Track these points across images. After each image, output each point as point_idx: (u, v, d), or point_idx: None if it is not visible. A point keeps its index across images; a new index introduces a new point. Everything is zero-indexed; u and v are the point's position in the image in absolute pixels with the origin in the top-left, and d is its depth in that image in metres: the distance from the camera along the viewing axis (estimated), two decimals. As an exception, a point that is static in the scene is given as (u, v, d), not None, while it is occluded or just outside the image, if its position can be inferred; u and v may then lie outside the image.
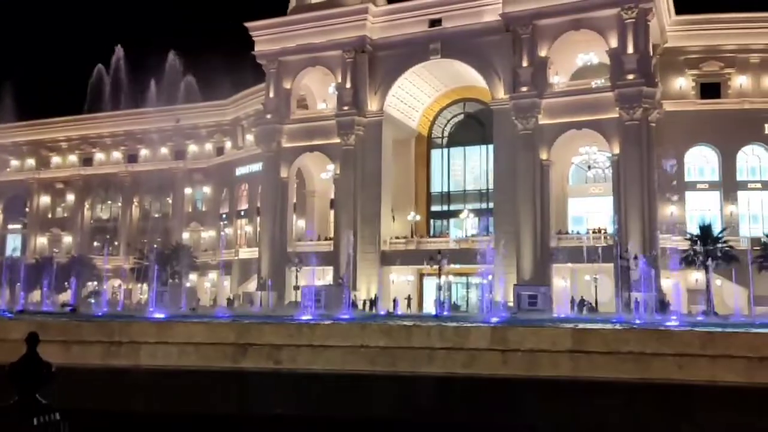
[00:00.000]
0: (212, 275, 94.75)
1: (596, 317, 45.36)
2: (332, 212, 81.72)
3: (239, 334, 22.42)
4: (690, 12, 73.94)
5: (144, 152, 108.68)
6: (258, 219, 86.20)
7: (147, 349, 22.13)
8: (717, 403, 18.30)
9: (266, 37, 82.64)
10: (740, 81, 72.90)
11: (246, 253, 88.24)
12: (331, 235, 79.79)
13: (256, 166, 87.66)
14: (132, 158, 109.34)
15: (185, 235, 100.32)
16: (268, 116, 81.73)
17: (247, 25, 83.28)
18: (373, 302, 69.31)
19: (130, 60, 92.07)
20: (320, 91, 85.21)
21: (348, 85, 77.94)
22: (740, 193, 70.73)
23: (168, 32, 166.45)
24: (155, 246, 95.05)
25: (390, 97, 78.37)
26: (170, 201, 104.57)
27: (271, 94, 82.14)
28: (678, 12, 73.83)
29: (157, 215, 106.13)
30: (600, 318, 42.18)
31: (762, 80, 72.63)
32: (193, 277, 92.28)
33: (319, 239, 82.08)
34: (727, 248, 62.39)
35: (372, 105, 77.79)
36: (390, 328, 23.12)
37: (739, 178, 70.92)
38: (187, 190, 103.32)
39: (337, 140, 77.79)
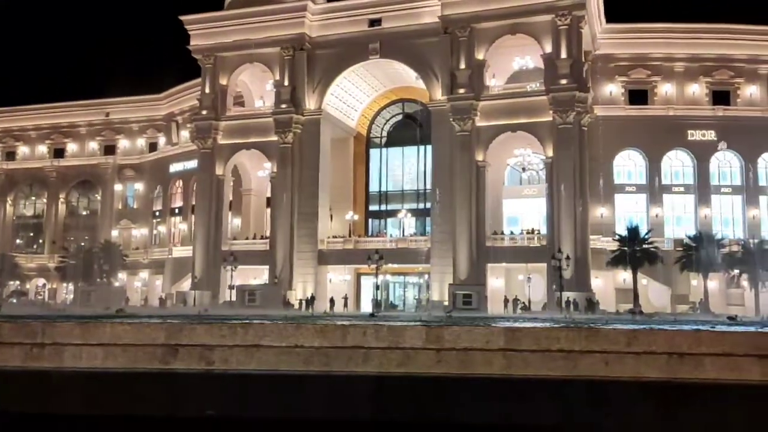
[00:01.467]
0: (143, 274, 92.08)
1: (529, 316, 46.45)
2: (269, 210, 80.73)
3: (169, 335, 21.75)
4: (620, 21, 76.77)
5: (71, 147, 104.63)
6: (192, 217, 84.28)
7: (71, 351, 21.25)
8: (640, 398, 18.92)
9: (202, 31, 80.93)
10: (666, 88, 76.08)
11: (180, 251, 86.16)
12: (268, 233, 78.82)
13: (191, 163, 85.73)
14: (58, 153, 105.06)
15: (115, 233, 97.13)
16: (204, 112, 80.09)
17: (183, 18, 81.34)
18: (310, 302, 68.91)
19: (59, 51, 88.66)
20: (258, 88, 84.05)
21: (286, 82, 77.15)
22: (665, 196, 73.78)
23: (101, 24, 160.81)
24: (82, 244, 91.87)
25: (329, 96, 78.02)
26: (99, 197, 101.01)
27: (207, 90, 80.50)
28: (608, 21, 76.47)
29: (84, 212, 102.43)
30: (532, 316, 43.21)
31: (686, 88, 76.00)
32: (122, 276, 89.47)
33: (255, 238, 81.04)
34: (652, 249, 64.98)
35: (310, 103, 77.26)
36: (325, 327, 22.93)
37: (664, 181, 73.95)
38: (118, 187, 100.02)
39: (275, 138, 76.92)
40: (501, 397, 19.42)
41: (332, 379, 19.76)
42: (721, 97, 75.91)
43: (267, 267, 75.42)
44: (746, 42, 75.46)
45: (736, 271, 66.20)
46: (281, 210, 75.90)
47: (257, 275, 76.21)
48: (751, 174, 73.32)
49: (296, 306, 67.93)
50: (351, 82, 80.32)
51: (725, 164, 74.37)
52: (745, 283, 66.72)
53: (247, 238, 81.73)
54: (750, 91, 75.73)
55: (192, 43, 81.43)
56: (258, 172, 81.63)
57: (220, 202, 79.32)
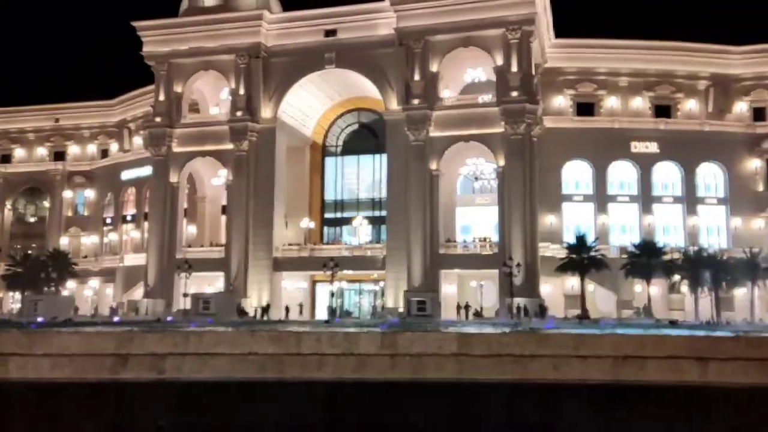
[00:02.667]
0: (94, 283, 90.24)
1: (481, 322, 47.55)
2: (224, 218, 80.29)
3: (119, 344, 21.78)
4: (568, 36, 79.27)
5: (19, 152, 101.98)
6: (146, 224, 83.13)
7: (16, 361, 21.02)
8: (585, 401, 19.86)
9: (156, 38, 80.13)
10: (611, 102, 78.90)
11: (132, 259, 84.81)
12: (223, 241, 78.41)
13: (145, 170, 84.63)
14: (5, 158, 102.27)
15: (64, 241, 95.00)
16: (158, 119, 79.21)
17: (135, 24, 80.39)
18: (265, 309, 68.76)
19: (10, 55, 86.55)
20: (213, 95, 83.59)
21: (242, 90, 77.04)
22: (611, 205, 76.37)
23: (53, 28, 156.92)
24: (29, 252, 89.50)
25: (285, 104, 78.21)
26: (47, 204, 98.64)
27: (161, 97, 79.67)
28: (557, 35, 78.90)
29: (32, 219, 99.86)
30: (483, 322, 44.24)
31: (630, 102, 78.98)
32: (71, 284, 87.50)
33: (211, 245, 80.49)
34: (599, 256, 67.15)
35: (266, 112, 77.31)
36: (280, 334, 23.35)
37: (609, 191, 76.56)
38: (67, 194, 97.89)
39: (230, 146, 76.68)
40: (453, 402, 20.14)
41: (286, 386, 20.20)
42: (662, 110, 79.21)
43: (222, 274, 74.97)
44: (686, 59, 78.93)
45: (677, 278, 68.90)
46: (237, 217, 75.61)
47: (212, 283, 75.64)
48: (690, 184, 76.65)
49: (251, 314, 67.69)
50: (307, 91, 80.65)
51: (666, 175, 77.44)
52: (685, 288, 69.51)
53: (201, 246, 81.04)
54: (689, 105, 79.18)
55: (145, 49, 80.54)
56: (213, 179, 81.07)
57: (175, 209, 78.52)
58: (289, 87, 77.70)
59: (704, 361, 19.31)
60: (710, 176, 78.10)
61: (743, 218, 76.48)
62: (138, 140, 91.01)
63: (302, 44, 76.52)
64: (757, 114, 79.41)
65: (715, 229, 77.34)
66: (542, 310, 63.17)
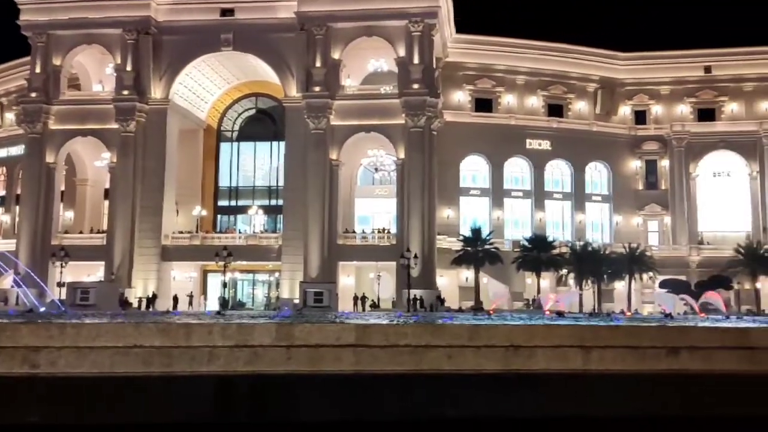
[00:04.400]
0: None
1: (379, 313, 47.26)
2: (107, 203, 75.59)
3: (-13, 336, 19.41)
4: (469, 32, 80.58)
5: None
6: (17, 207, 76.88)
7: None
8: (478, 390, 19.81)
9: (33, 5, 73.96)
10: (508, 99, 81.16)
11: (1, 245, 78.12)
12: (105, 227, 73.79)
13: (17, 149, 78.32)
14: None
15: None
16: (33, 94, 73.24)
17: (11, -11, 73.81)
18: (151, 300, 65.40)
19: None
20: (96, 71, 78.41)
21: (129, 67, 72.54)
22: (506, 200, 78.68)
23: None
24: None
25: (177, 85, 74.50)
26: None
27: (38, 70, 73.70)
28: (458, 31, 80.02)
29: None
30: (380, 314, 44.01)
31: (525, 100, 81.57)
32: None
33: (92, 232, 75.57)
34: (493, 250, 68.87)
35: (156, 92, 73.25)
36: (167, 326, 21.70)
37: (505, 186, 78.84)
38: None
39: (115, 126, 72.19)
40: (350, 394, 19.49)
41: (174, 381, 18.72)
42: (555, 109, 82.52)
43: (104, 263, 70.61)
44: (578, 61, 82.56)
45: (564, 271, 71.99)
46: (121, 203, 71.40)
47: (92, 272, 71.12)
48: (579, 182, 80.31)
49: (135, 305, 64.17)
50: (201, 72, 77.28)
51: (558, 172, 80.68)
52: (571, 281, 72.77)
53: (81, 232, 76.01)
54: (579, 106, 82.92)
55: (22, 18, 74.14)
56: (95, 161, 76.14)
57: (51, 192, 73.00)
58: (182, 67, 74.07)
59: (587, 350, 20.01)
60: (597, 175, 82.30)
61: (624, 215, 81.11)
62: (10, 116, 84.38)
63: (196, 22, 73.04)
64: (639, 117, 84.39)
65: (600, 225, 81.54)
66: (441, 302, 64.00)
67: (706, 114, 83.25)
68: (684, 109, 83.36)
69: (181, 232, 74.48)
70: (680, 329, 21.95)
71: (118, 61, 73.23)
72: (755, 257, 69.65)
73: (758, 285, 71.08)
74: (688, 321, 31.92)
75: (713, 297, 55.66)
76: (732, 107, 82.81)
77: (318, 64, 70.40)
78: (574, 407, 18.59)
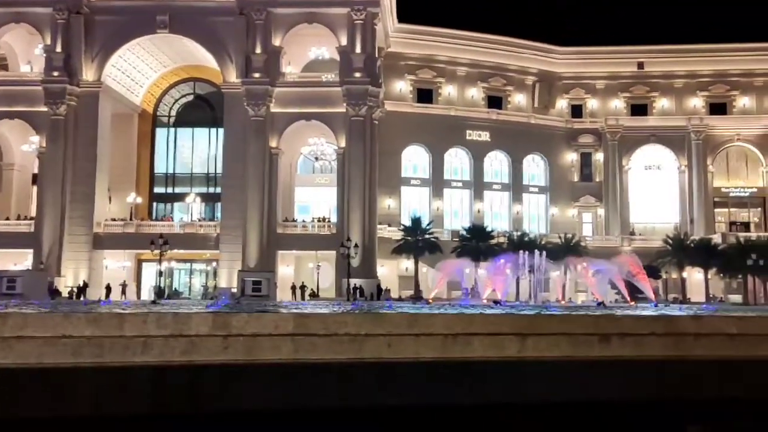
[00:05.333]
0: None
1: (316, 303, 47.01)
2: (35, 189, 72.41)
3: None
4: (411, 22, 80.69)
5: None
6: (-64, 193, 72.68)
7: None
8: (417, 378, 20.01)
9: (-45, -21, 69.82)
10: (449, 90, 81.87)
11: None
12: (33, 214, 70.71)
13: (-64, 131, 73.81)
14: None
15: None
16: (-45, 73, 69.27)
17: (-71, -40, 69.43)
18: (82, 289, 63.18)
19: None
20: (25, 51, 74.64)
21: (59, 48, 69.39)
22: (446, 191, 79.52)
23: None
24: None
25: (110, 68, 71.79)
26: None
27: (-41, 48, 69.74)
28: (400, 20, 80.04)
29: None
30: (319, 303, 43.83)
31: (466, 91, 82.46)
32: None
33: (19, 218, 72.25)
34: (433, 239, 69.49)
35: (88, 74, 70.41)
36: (99, 316, 20.99)
37: (445, 176, 79.66)
38: None
39: (44, 109, 69.01)
40: (288, 383, 19.33)
41: (106, 371, 18.15)
42: (495, 101, 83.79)
43: (32, 251, 67.70)
44: (517, 54, 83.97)
45: (502, 260, 73.29)
46: (51, 189, 68.52)
47: (19, 261, 68.12)
48: (517, 173, 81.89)
49: (66, 294, 61.86)
50: (136, 55, 74.71)
51: (497, 163, 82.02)
52: (508, 271, 74.14)
53: (7, 218, 72.50)
54: (518, 98, 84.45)
55: (-58, -8, 69.93)
56: (23, 145, 72.63)
57: (-26, 177, 69.38)
58: (116, 49, 71.36)
59: (523, 337, 20.61)
60: (534, 167, 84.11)
61: (560, 207, 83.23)
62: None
63: (131, 3, 70.54)
64: (575, 111, 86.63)
65: (537, 216, 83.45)
66: (381, 291, 64.21)
67: (639, 109, 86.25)
68: (618, 103, 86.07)
69: (114, 220, 72.10)
70: (611, 317, 22.76)
71: (48, 41, 69.92)
72: (682, 248, 72.68)
73: (684, 274, 74.25)
74: (621, 309, 32.86)
75: (642, 282, 57.64)
76: (663, 103, 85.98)
77: (258, 50, 69.13)
78: (511, 394, 19.06)
